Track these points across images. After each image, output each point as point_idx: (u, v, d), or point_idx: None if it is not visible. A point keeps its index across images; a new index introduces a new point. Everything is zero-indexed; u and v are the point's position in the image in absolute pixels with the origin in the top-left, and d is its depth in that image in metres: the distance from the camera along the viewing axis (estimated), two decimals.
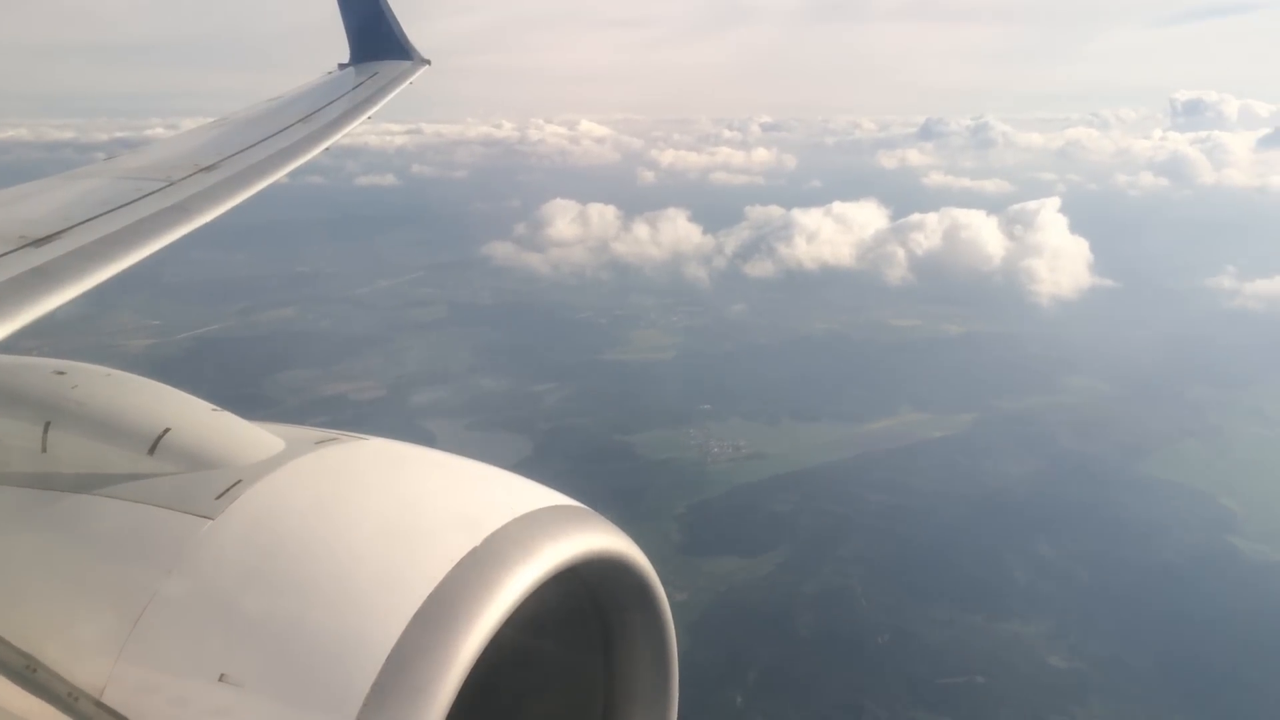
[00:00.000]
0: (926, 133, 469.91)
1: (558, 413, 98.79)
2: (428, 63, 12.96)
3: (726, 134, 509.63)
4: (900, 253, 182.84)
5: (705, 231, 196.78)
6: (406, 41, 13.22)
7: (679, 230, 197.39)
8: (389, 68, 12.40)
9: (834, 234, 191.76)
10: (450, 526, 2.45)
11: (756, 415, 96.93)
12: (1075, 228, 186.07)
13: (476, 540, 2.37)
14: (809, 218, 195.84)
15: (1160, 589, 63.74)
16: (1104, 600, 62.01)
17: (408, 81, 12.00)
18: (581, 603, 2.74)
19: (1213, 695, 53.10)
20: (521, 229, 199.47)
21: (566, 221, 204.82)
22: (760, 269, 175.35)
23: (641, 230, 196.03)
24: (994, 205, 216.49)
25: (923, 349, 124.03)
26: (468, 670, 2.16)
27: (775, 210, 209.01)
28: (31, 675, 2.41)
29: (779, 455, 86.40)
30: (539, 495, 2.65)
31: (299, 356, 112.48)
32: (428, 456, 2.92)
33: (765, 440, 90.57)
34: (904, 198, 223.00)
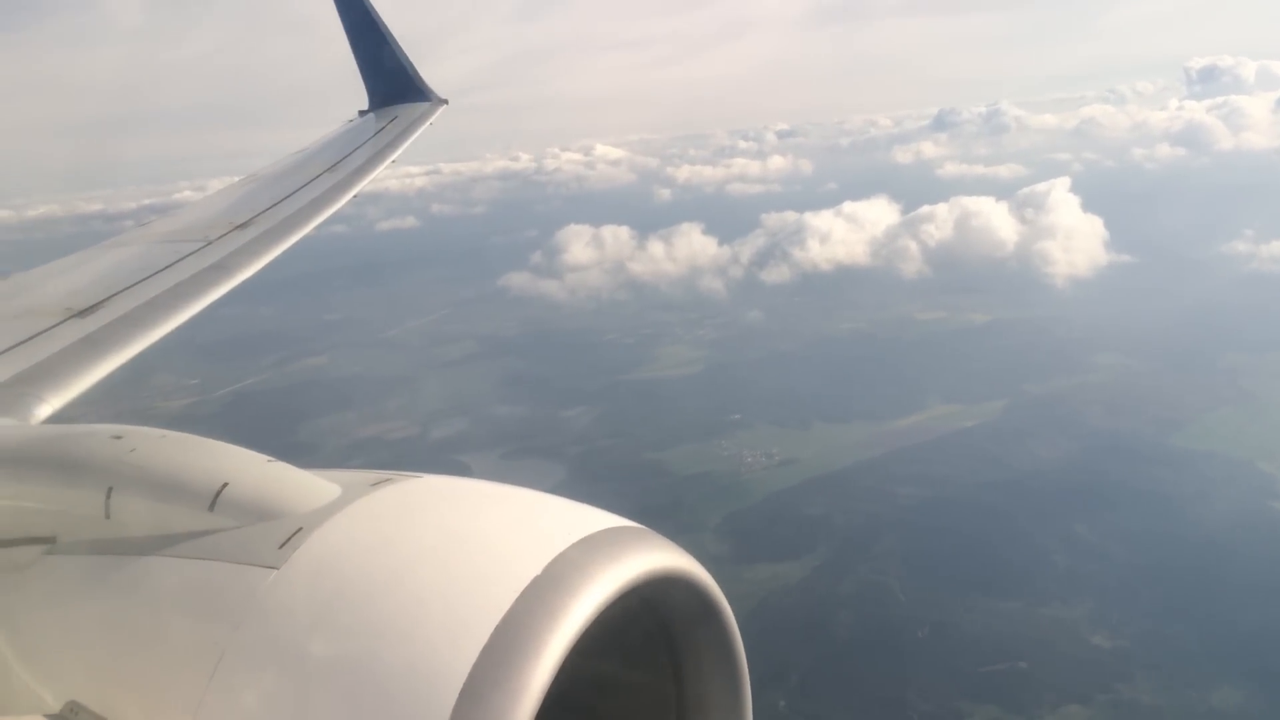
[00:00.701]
0: (940, 124, 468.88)
1: (588, 435, 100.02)
2: (445, 102, 13.14)
3: (742, 145, 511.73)
4: (913, 246, 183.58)
5: (721, 243, 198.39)
6: (422, 83, 13.38)
7: (694, 244, 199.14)
8: (407, 110, 12.61)
9: (846, 234, 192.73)
10: (511, 556, 2.46)
11: (787, 421, 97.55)
12: (1089, 206, 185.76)
13: (538, 568, 2.37)
14: (821, 220, 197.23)
15: (1201, 560, 63.53)
16: (1145, 576, 61.99)
17: (428, 122, 12.20)
18: (647, 623, 2.74)
19: (1259, 661, 52.96)
20: (538, 257, 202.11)
21: (581, 246, 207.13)
22: (777, 275, 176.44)
23: (657, 248, 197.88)
24: (1008, 191, 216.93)
25: (948, 341, 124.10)
26: (540, 699, 2.16)
27: (791, 216, 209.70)
28: None
29: (811, 459, 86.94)
30: (597, 518, 2.67)
31: (334, 402, 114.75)
32: (482, 489, 2.95)
33: (797, 445, 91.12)
34: (919, 191, 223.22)
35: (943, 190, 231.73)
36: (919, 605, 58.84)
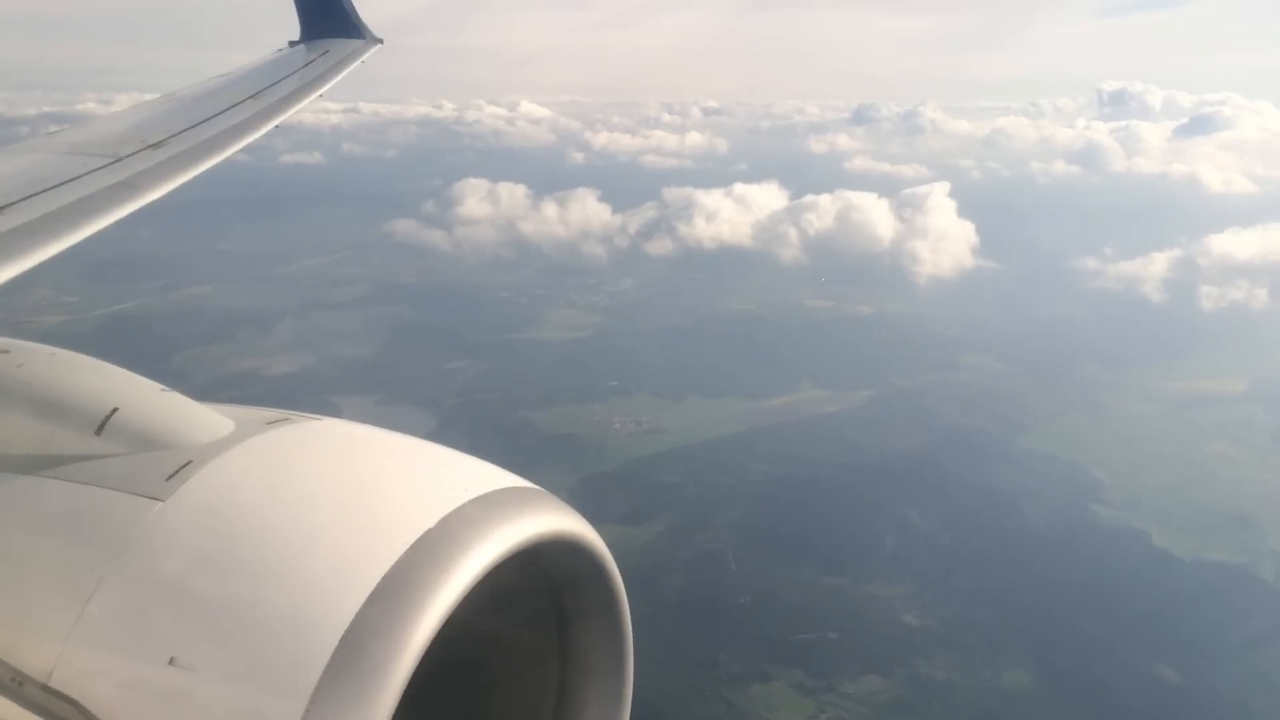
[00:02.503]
0: (859, 118, 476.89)
1: (467, 389, 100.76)
2: (380, 42, 12.75)
3: (666, 118, 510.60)
4: (793, 233, 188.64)
5: (614, 211, 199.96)
6: (359, 20, 12.96)
7: (588, 209, 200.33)
8: (340, 46, 12.18)
9: (733, 214, 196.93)
10: (405, 508, 2.44)
11: (662, 392, 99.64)
12: (966, 211, 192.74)
13: (431, 521, 2.36)
14: (711, 198, 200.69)
15: (1020, 552, 67.68)
16: (965, 563, 65.68)
17: (359, 60, 11.88)
18: (537, 583, 2.75)
19: (1051, 649, 56.89)
20: (430, 206, 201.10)
21: (476, 200, 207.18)
22: (660, 248, 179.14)
23: (550, 209, 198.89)
24: (904, 189, 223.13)
25: (832, 329, 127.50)
26: (422, 651, 2.16)
27: (690, 192, 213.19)
28: None
29: (678, 430, 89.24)
30: (495, 477, 2.67)
31: (212, 333, 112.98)
32: (382, 437, 2.90)
33: (667, 416, 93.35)
34: (821, 181, 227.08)
35: (846, 183, 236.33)
36: (747, 574, 61.56)
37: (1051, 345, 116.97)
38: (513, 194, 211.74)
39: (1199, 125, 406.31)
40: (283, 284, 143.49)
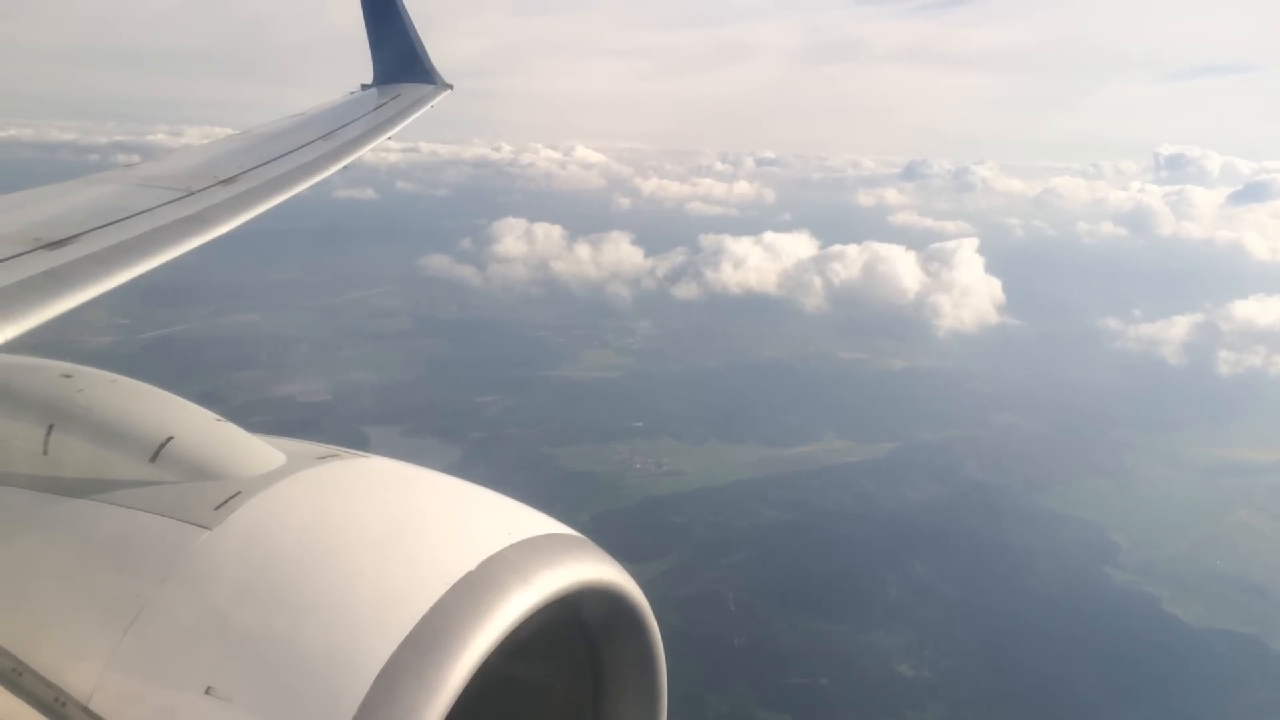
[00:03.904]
0: (909, 174, 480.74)
1: (494, 423, 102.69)
2: (450, 87, 13.06)
3: (719, 167, 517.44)
4: (818, 281, 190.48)
5: (646, 255, 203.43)
6: (430, 64, 13.30)
7: (621, 252, 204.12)
8: (411, 90, 12.47)
9: (761, 261, 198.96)
10: (447, 549, 2.44)
11: (685, 435, 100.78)
12: (993, 268, 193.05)
13: (472, 564, 2.37)
14: (740, 245, 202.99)
15: (1024, 609, 67.39)
16: (966, 617, 65.65)
17: (429, 105, 12.11)
18: (573, 632, 2.73)
19: (1045, 709, 56.74)
20: (467, 243, 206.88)
21: (513, 239, 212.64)
22: (686, 292, 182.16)
23: (584, 250, 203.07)
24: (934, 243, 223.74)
25: (863, 381, 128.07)
26: (457, 695, 2.16)
27: (721, 239, 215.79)
28: (17, 679, 2.41)
29: (696, 473, 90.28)
30: (537, 522, 2.68)
31: (255, 359, 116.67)
32: (428, 478, 2.91)
33: (687, 459, 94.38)
34: (862, 233, 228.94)
35: (888, 236, 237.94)
36: (745, 616, 62.22)
37: (1083, 406, 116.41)
38: (548, 234, 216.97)
39: (1254, 192, 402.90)
40: (328, 314, 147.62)
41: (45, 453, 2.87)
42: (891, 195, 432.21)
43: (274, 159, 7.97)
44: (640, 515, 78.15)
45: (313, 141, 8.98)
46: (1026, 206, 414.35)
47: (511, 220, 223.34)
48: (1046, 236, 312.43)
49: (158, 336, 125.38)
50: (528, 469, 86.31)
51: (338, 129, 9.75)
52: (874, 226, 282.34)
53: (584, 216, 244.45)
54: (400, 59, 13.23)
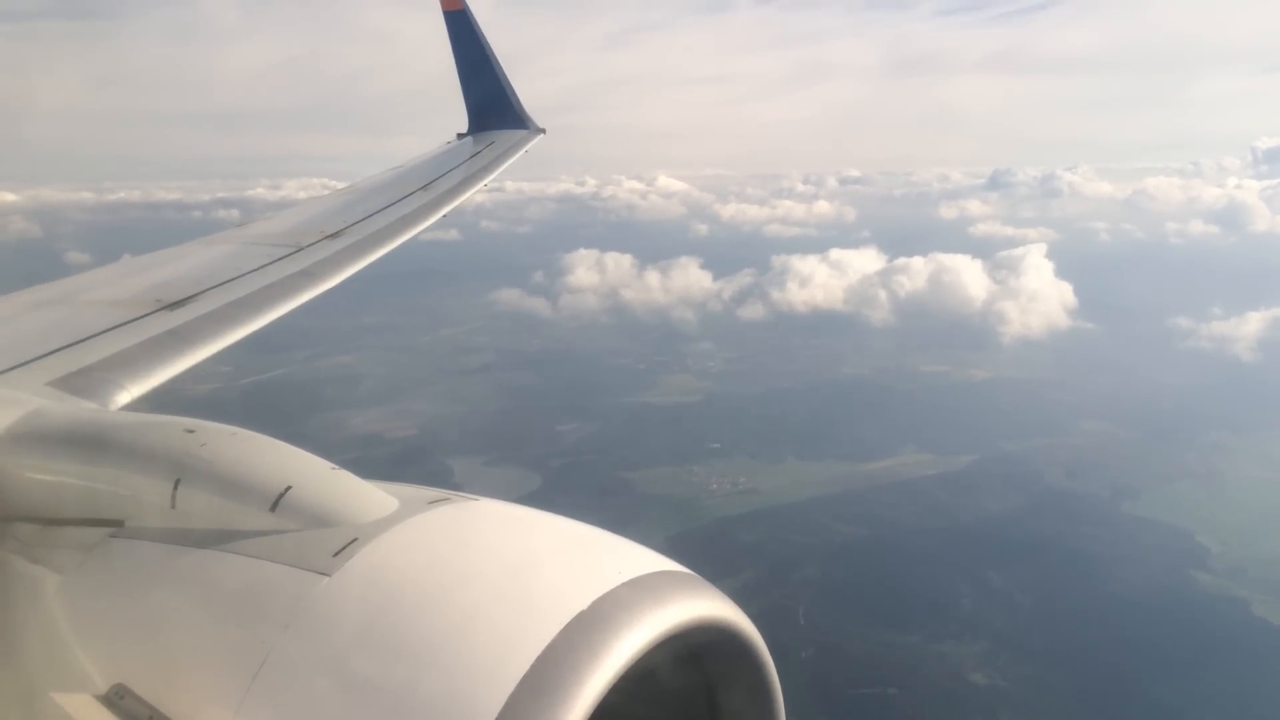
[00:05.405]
0: (994, 183, 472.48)
1: (573, 450, 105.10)
2: (543, 131, 13.45)
3: (800, 188, 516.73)
4: (883, 295, 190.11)
5: (715, 278, 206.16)
6: (522, 110, 13.66)
7: (690, 277, 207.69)
8: (505, 136, 12.86)
9: (828, 279, 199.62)
10: (559, 588, 2.44)
11: (762, 454, 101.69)
12: (1063, 272, 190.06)
13: (585, 604, 2.35)
14: (805, 264, 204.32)
15: (1106, 616, 66.47)
16: (1044, 625, 65.00)
17: (523, 150, 12.47)
18: (688, 671, 2.70)
19: (1123, 710, 55.97)
20: (539, 276, 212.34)
21: (585, 269, 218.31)
22: (752, 312, 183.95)
23: (653, 278, 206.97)
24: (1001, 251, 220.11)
25: (945, 393, 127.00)
26: None
27: (788, 258, 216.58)
28: None
29: (772, 491, 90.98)
30: (648, 560, 2.66)
31: (346, 399, 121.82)
32: (537, 518, 2.93)
33: (764, 477, 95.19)
34: (940, 245, 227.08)
35: (968, 247, 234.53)
36: (815, 629, 62.74)
37: (1168, 408, 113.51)
38: (619, 263, 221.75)
39: None
40: (418, 353, 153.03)
41: (173, 506, 2.99)
42: (974, 206, 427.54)
43: (377, 211, 8.36)
44: (713, 535, 79.27)
45: (413, 193, 9.38)
46: (1115, 209, 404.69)
47: (583, 251, 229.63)
48: (1133, 239, 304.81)
49: (258, 381, 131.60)
50: (603, 494, 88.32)
51: (436, 179, 10.13)
52: (952, 238, 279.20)
53: (658, 245, 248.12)
54: (493, 106, 13.73)
